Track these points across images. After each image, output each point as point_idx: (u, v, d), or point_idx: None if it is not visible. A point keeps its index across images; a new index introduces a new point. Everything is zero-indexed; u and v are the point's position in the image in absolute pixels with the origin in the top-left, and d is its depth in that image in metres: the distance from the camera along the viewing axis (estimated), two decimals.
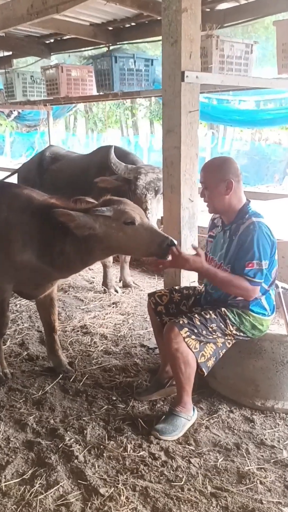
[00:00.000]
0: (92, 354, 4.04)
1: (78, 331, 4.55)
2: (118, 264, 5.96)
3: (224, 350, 3.07)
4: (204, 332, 2.91)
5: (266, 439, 2.93)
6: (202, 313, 2.98)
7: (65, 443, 2.84)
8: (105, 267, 5.55)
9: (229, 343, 3.07)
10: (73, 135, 26.27)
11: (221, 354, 3.06)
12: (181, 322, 2.89)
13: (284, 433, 2.98)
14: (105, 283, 5.60)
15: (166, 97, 3.33)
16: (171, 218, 3.48)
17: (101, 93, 6.27)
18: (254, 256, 2.83)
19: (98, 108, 24.17)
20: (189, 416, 3.01)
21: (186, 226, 3.48)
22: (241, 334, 3.03)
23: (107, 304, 5.22)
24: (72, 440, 2.88)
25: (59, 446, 2.82)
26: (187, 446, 2.86)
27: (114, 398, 3.34)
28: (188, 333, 2.86)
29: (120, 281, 5.84)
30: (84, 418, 3.11)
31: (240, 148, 20.19)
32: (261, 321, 3.04)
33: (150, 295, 3.46)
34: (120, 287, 5.69)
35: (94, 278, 6.12)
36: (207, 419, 3.11)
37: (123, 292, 5.57)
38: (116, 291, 5.54)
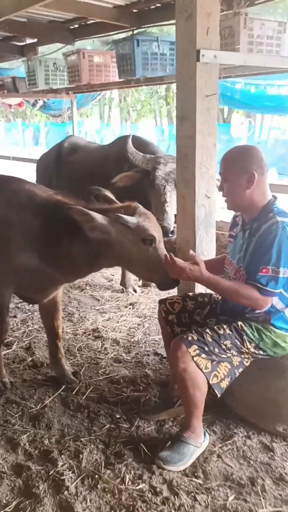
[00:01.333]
0: (101, 362, 3.72)
1: (89, 334, 4.25)
2: None
3: (241, 369, 2.69)
4: (216, 350, 2.53)
5: (286, 473, 2.54)
6: (215, 327, 2.61)
7: (57, 470, 2.54)
8: None
9: (247, 362, 2.68)
10: (107, 125, 26.00)
11: (238, 374, 2.68)
12: (189, 338, 2.53)
13: None
14: (123, 282, 5.28)
15: (179, 80, 2.94)
16: (185, 216, 3.11)
17: (122, 80, 5.89)
18: (270, 261, 2.43)
19: (133, 97, 23.79)
20: (198, 443, 2.65)
21: (201, 225, 3.09)
22: (260, 352, 2.64)
23: (124, 305, 4.90)
24: (66, 466, 2.58)
25: (50, 473, 2.52)
26: (194, 479, 2.50)
27: (118, 416, 3.02)
28: (197, 351, 2.49)
29: (139, 279, 5.50)
30: (82, 439, 2.81)
31: (279, 137, 19.36)
32: (285, 338, 2.63)
33: (161, 301, 3.10)
34: (139, 286, 5.36)
35: (113, 275, 5.80)
36: (220, 445, 2.75)
37: (142, 292, 5.23)
38: (135, 290, 5.21)
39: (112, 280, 5.69)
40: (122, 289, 5.25)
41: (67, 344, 4.05)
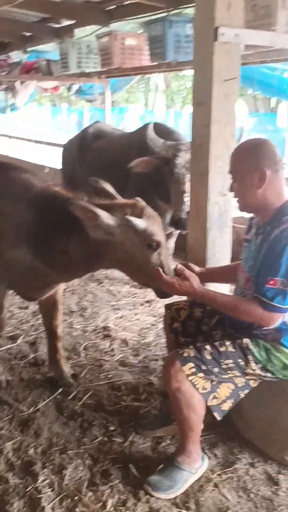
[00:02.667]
0: (105, 364, 3.50)
1: (99, 332, 4.03)
2: None
3: (247, 391, 2.39)
4: (215, 370, 2.24)
5: None
6: (217, 344, 2.31)
7: (36, 486, 2.34)
8: None
9: (253, 383, 2.38)
10: (151, 112, 25.61)
11: (243, 395, 2.39)
12: (185, 354, 2.24)
13: None
14: None
15: (196, 61, 2.63)
16: (197, 215, 2.81)
17: (154, 64, 5.57)
18: (278, 272, 2.11)
19: (178, 83, 23.24)
20: (194, 468, 2.38)
21: (214, 225, 2.79)
22: (268, 374, 2.33)
23: (140, 302, 4.66)
24: (46, 482, 2.38)
25: (28, 490, 2.33)
26: (184, 510, 2.24)
27: (113, 428, 2.78)
28: (193, 369, 2.21)
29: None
30: (69, 451, 2.59)
31: None
32: None
33: (168, 306, 2.84)
34: None
35: None
36: (219, 472, 2.46)
37: None
38: None
39: None
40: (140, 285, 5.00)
41: (74, 341, 3.85)
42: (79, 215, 2.41)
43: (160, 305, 4.57)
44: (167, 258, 2.52)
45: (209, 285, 2.81)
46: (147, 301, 4.65)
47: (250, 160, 2.22)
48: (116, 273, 5.40)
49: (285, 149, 16.58)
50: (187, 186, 3.98)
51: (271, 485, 2.40)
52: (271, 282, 2.12)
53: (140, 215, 2.47)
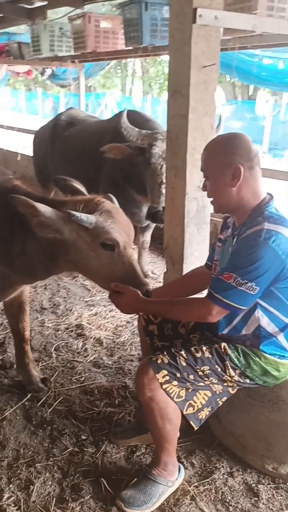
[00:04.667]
0: (77, 366, 3.33)
1: (72, 331, 3.86)
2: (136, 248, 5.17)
3: (225, 398, 2.26)
4: (191, 377, 2.10)
5: None
6: (193, 349, 2.16)
7: (1, 504, 2.18)
8: None
9: (232, 389, 2.25)
10: (129, 98, 25.20)
11: (221, 403, 2.26)
12: (159, 361, 2.09)
13: None
14: None
15: (172, 46, 2.43)
16: (174, 211, 2.64)
17: (129, 48, 5.33)
18: (237, 269, 1.97)
19: (156, 69, 22.87)
20: (170, 481, 2.25)
21: (192, 222, 2.63)
22: (247, 381, 2.20)
23: None
24: (12, 499, 2.21)
25: None
26: None
27: (84, 437, 2.63)
28: (167, 377, 2.06)
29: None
30: (37, 464, 2.43)
31: None
32: (277, 365, 2.18)
33: None
34: None
35: None
36: (196, 484, 2.34)
37: None
38: None
39: None
40: None
41: (45, 341, 3.66)
42: (21, 211, 2.15)
43: None
44: (132, 260, 2.23)
45: None
46: None
47: (222, 156, 2.05)
48: None
49: (263, 137, 16.56)
50: (165, 177, 3.82)
51: (251, 496, 2.28)
52: (226, 275, 1.98)
53: (93, 211, 2.19)
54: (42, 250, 2.29)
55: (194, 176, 2.55)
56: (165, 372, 2.07)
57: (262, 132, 16.67)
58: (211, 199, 2.17)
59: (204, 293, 2.22)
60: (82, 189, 2.45)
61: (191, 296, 2.39)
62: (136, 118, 4.25)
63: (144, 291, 2.16)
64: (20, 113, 27.19)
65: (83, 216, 2.09)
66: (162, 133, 3.88)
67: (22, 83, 26.93)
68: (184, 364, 2.10)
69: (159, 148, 3.82)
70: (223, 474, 2.40)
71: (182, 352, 2.13)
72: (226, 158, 2.03)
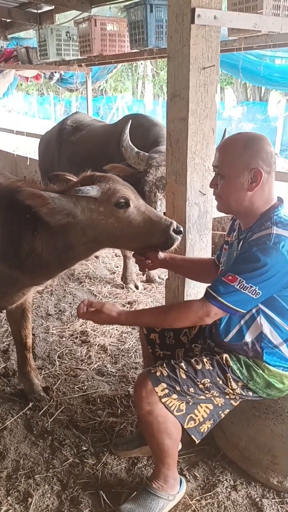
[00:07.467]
0: (81, 374, 3.28)
1: (76, 338, 3.81)
2: None
3: (228, 410, 2.19)
4: (191, 390, 2.03)
5: None
6: (193, 361, 2.09)
7: None
8: (125, 257, 4.73)
9: (235, 402, 2.18)
10: (140, 101, 25.17)
11: (223, 416, 2.19)
12: (158, 373, 2.03)
13: None
14: (124, 276, 4.80)
15: (171, 47, 2.37)
16: (175, 216, 2.57)
17: (135, 51, 5.29)
18: (243, 271, 1.89)
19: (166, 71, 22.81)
20: (170, 495, 2.18)
21: (193, 227, 2.56)
22: (249, 393, 2.13)
23: (121, 303, 4.43)
24: None
25: None
26: None
27: (85, 448, 2.58)
28: (166, 390, 2.00)
29: (143, 274, 5.01)
30: (37, 476, 2.39)
31: None
32: (281, 378, 2.10)
33: None
34: (142, 282, 4.88)
35: (118, 267, 5.33)
36: (198, 497, 2.27)
37: (144, 289, 4.75)
38: (136, 287, 4.73)
39: (115, 272, 5.22)
40: (123, 284, 4.79)
41: (49, 348, 3.63)
42: (30, 204, 2.17)
43: (142, 306, 4.37)
44: (148, 207, 2.25)
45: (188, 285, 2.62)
46: (129, 302, 4.43)
47: (244, 157, 1.94)
48: (98, 272, 5.20)
49: (276, 139, 16.40)
50: (159, 205, 3.80)
51: (255, 511, 2.21)
52: (230, 278, 1.90)
53: (91, 183, 2.22)
54: (52, 244, 2.30)
55: (195, 181, 2.49)
56: (164, 385, 2.00)
57: (274, 134, 16.49)
58: (218, 197, 2.08)
59: (199, 295, 2.16)
60: (74, 177, 2.45)
61: (183, 301, 2.29)
62: (143, 122, 4.21)
63: (176, 226, 2.16)
64: (33, 117, 27.35)
65: (87, 188, 2.14)
66: (158, 158, 3.84)
67: (34, 88, 27.10)
68: (184, 376, 2.03)
69: (153, 175, 3.83)
70: (226, 487, 2.33)
71: (182, 364, 2.06)
72: (248, 160, 1.94)
